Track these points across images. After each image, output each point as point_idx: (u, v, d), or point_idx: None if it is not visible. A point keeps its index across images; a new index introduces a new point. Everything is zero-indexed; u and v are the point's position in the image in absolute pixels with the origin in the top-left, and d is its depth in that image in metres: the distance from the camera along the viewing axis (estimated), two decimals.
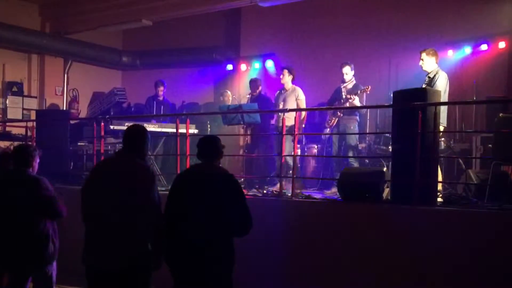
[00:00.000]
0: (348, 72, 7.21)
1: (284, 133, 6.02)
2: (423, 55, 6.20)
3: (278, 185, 6.48)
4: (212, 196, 3.44)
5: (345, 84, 7.23)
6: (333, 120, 7.19)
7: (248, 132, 7.47)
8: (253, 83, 8.19)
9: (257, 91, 8.07)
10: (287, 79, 7.41)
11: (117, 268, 3.43)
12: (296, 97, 7.32)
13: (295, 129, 5.98)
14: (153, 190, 3.53)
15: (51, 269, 4.36)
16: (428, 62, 6.19)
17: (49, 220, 4.27)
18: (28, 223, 4.17)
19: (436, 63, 6.23)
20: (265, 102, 7.88)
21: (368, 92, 6.95)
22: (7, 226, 4.19)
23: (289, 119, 6.61)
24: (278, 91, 7.64)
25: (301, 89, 7.48)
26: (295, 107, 7.13)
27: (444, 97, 5.87)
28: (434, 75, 6.12)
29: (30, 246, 4.18)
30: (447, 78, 6.13)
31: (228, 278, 3.50)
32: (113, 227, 3.43)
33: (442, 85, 6.01)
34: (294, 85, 7.46)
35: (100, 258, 3.48)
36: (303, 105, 7.29)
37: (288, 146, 6.68)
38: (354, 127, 7.19)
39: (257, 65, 10.48)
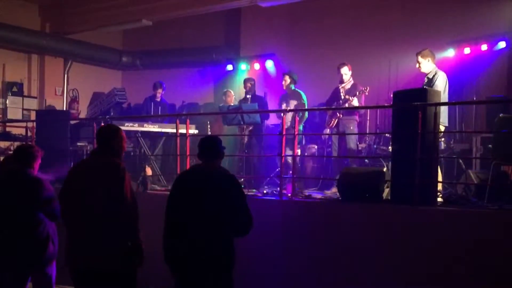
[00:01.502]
0: (346, 73, 7.22)
1: (284, 133, 6.02)
2: (419, 58, 6.22)
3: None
4: (212, 196, 3.44)
5: (343, 85, 7.23)
6: (332, 121, 7.19)
7: (247, 132, 7.47)
8: (247, 82, 8.21)
9: (252, 91, 8.11)
10: (288, 84, 7.47)
11: (97, 267, 3.45)
12: (300, 101, 7.36)
13: (295, 130, 5.98)
14: (124, 186, 3.50)
15: (50, 269, 4.36)
16: (424, 64, 6.20)
17: (49, 220, 4.27)
18: (28, 223, 4.17)
19: (433, 63, 6.24)
20: (259, 101, 7.89)
21: (367, 94, 6.95)
22: (7, 226, 4.19)
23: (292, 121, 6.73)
24: (282, 95, 7.70)
25: (303, 91, 7.52)
26: None
27: (443, 97, 5.87)
28: (433, 76, 6.13)
29: (29, 246, 4.18)
30: (446, 77, 6.14)
31: (228, 278, 3.50)
32: (90, 227, 3.46)
33: (441, 84, 6.02)
34: (297, 89, 7.49)
35: (81, 259, 3.51)
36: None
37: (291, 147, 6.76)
38: (353, 127, 7.19)
39: (257, 65, 10.48)
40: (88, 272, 3.49)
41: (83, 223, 3.50)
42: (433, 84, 6.03)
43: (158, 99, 8.88)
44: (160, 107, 8.84)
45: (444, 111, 5.87)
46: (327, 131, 7.37)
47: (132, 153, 8.15)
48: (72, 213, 3.58)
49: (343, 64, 7.25)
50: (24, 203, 4.16)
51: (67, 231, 3.62)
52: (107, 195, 3.47)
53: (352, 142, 7.10)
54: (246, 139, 7.47)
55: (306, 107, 7.39)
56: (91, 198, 3.48)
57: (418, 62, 6.23)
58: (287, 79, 7.54)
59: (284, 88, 7.61)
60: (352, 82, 7.21)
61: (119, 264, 3.46)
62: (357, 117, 7.26)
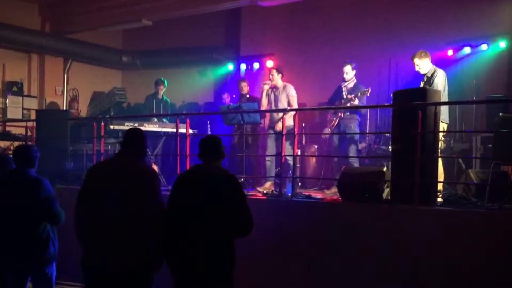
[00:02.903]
0: (348, 72, 7.20)
1: (284, 133, 6.02)
2: (416, 60, 6.22)
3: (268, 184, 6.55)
4: (213, 197, 3.44)
5: (345, 84, 7.22)
6: (334, 121, 7.18)
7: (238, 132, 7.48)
8: (241, 83, 8.20)
9: (245, 91, 8.12)
10: (277, 78, 7.36)
11: (118, 270, 3.42)
12: (288, 94, 7.27)
13: (295, 129, 5.97)
14: (154, 190, 3.51)
15: (50, 269, 4.35)
16: (423, 65, 6.21)
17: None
18: (28, 223, 4.16)
19: (430, 62, 6.25)
20: (254, 102, 7.88)
21: (368, 95, 6.94)
22: (7, 226, 4.19)
23: (287, 119, 6.72)
24: (269, 89, 7.51)
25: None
26: (287, 105, 7.15)
27: (444, 95, 5.89)
28: (432, 74, 6.14)
29: (30, 247, 4.18)
30: (445, 75, 6.16)
31: (228, 279, 3.50)
32: (114, 229, 3.42)
33: (441, 82, 6.04)
34: (285, 82, 7.42)
35: (101, 261, 3.45)
36: (295, 101, 7.24)
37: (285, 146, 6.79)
38: (355, 126, 7.19)
39: (257, 64, 10.48)
40: (108, 275, 3.44)
41: (107, 225, 3.43)
42: (433, 82, 6.04)
43: (160, 96, 8.91)
44: (162, 105, 8.86)
45: (444, 108, 5.88)
46: (328, 130, 7.36)
47: None
48: (94, 214, 3.49)
49: (346, 63, 7.22)
50: (25, 203, 4.15)
51: (86, 233, 3.54)
52: (140, 199, 3.44)
53: (354, 141, 7.10)
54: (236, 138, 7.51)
55: (295, 101, 7.27)
56: (120, 201, 3.42)
57: (416, 65, 6.25)
58: (275, 74, 7.37)
59: (273, 84, 7.40)
60: (355, 81, 7.19)
61: (141, 267, 3.45)
62: (358, 117, 7.25)
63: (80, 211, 3.57)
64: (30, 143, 8.08)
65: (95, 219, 3.50)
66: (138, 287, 3.51)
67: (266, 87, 7.48)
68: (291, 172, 6.51)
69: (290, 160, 6.79)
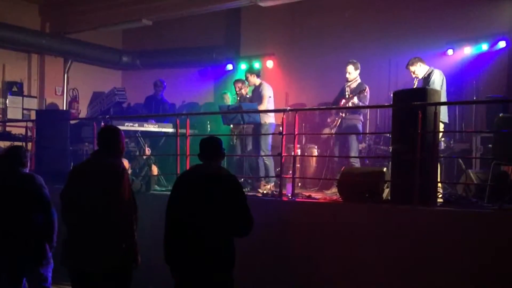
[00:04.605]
0: (351, 71, 7.17)
1: (284, 133, 6.01)
2: (411, 68, 6.38)
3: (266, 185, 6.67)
4: (213, 197, 3.44)
5: (349, 83, 7.21)
6: (336, 121, 7.17)
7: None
8: (238, 83, 8.23)
9: (244, 92, 8.16)
10: (252, 80, 7.41)
11: (94, 269, 3.48)
12: (260, 92, 7.29)
13: (296, 129, 5.96)
14: (122, 188, 3.53)
15: (46, 271, 4.35)
16: (419, 70, 6.32)
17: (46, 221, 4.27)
18: (25, 223, 4.16)
19: (425, 64, 6.31)
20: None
21: (365, 93, 6.94)
22: (3, 226, 4.18)
23: (267, 117, 6.97)
24: (252, 90, 7.65)
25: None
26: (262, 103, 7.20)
27: (442, 93, 5.90)
28: (429, 74, 6.21)
29: (26, 247, 4.17)
30: (442, 74, 6.20)
31: (228, 278, 3.50)
32: (88, 228, 3.49)
33: (438, 80, 6.11)
34: (261, 81, 7.44)
35: (79, 260, 3.53)
36: (264, 100, 7.22)
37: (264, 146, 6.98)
38: (357, 126, 7.17)
39: (257, 65, 10.46)
40: (84, 272, 3.52)
41: (81, 223, 3.53)
42: (430, 81, 6.09)
43: (159, 98, 8.92)
44: (161, 106, 8.86)
45: (443, 108, 5.90)
46: (327, 130, 7.35)
47: (137, 153, 8.15)
48: (71, 214, 3.60)
49: (349, 62, 7.19)
50: (21, 200, 4.15)
51: (66, 231, 3.63)
52: (105, 196, 3.49)
53: (354, 141, 7.08)
54: (236, 138, 7.53)
55: (265, 100, 7.24)
56: (89, 199, 3.50)
57: (412, 72, 6.34)
58: (249, 76, 7.41)
59: (251, 84, 7.50)
60: (359, 81, 7.17)
61: (114, 265, 3.48)
62: (361, 117, 7.23)
63: (62, 212, 3.67)
64: (30, 143, 8.08)
65: (72, 218, 3.59)
66: (118, 284, 3.55)
67: (243, 91, 7.68)
68: (266, 172, 6.61)
69: (266, 160, 6.85)
